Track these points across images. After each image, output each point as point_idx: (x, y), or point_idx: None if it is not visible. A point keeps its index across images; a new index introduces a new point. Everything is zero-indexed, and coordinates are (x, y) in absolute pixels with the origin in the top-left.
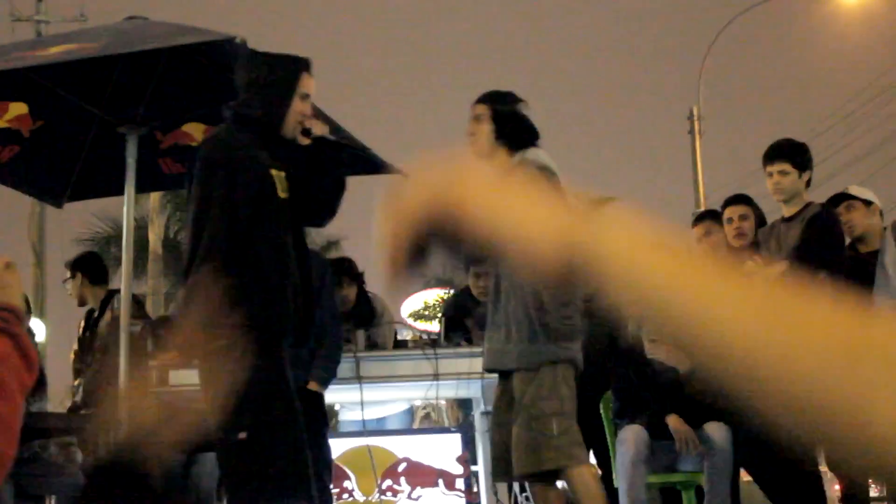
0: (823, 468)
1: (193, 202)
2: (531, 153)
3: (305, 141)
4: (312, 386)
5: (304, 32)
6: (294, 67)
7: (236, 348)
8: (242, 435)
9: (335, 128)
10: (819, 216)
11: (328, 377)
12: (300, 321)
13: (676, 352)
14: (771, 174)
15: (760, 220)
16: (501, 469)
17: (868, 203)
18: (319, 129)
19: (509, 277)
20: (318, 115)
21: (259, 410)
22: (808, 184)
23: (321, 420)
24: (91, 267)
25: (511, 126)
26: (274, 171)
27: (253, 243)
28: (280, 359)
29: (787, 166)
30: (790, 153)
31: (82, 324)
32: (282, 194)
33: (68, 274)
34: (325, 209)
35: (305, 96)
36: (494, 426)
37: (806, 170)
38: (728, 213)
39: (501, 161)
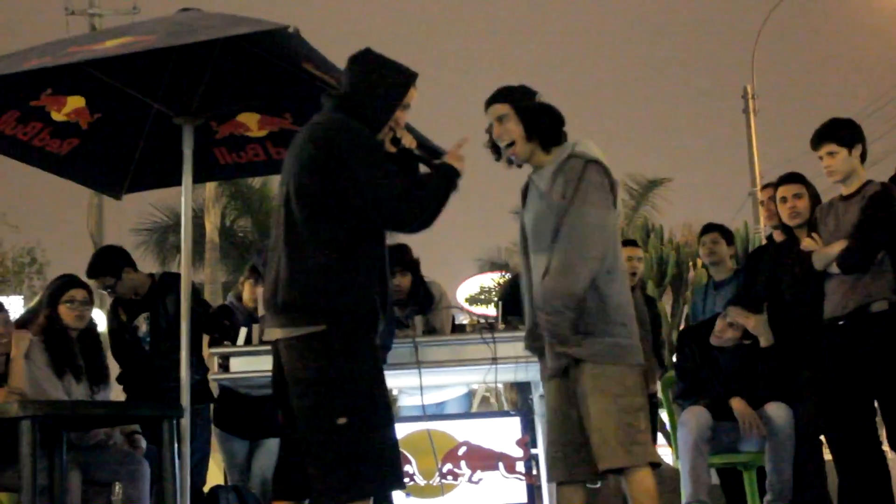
0: (885, 447)
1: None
2: (580, 146)
3: (392, 149)
4: None
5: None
6: (405, 80)
7: (336, 334)
8: (342, 420)
9: (422, 142)
10: (878, 195)
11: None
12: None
13: (765, 329)
14: (821, 158)
15: (815, 199)
16: (563, 472)
17: None
18: (408, 140)
19: None
20: (409, 129)
21: (358, 395)
22: (862, 158)
23: None
24: (127, 257)
25: (542, 120)
26: None
27: (359, 234)
28: (374, 345)
29: (833, 146)
30: (834, 133)
31: (122, 314)
32: None
33: (110, 279)
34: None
35: (406, 107)
36: (554, 429)
37: (855, 145)
38: (782, 192)
39: (541, 159)
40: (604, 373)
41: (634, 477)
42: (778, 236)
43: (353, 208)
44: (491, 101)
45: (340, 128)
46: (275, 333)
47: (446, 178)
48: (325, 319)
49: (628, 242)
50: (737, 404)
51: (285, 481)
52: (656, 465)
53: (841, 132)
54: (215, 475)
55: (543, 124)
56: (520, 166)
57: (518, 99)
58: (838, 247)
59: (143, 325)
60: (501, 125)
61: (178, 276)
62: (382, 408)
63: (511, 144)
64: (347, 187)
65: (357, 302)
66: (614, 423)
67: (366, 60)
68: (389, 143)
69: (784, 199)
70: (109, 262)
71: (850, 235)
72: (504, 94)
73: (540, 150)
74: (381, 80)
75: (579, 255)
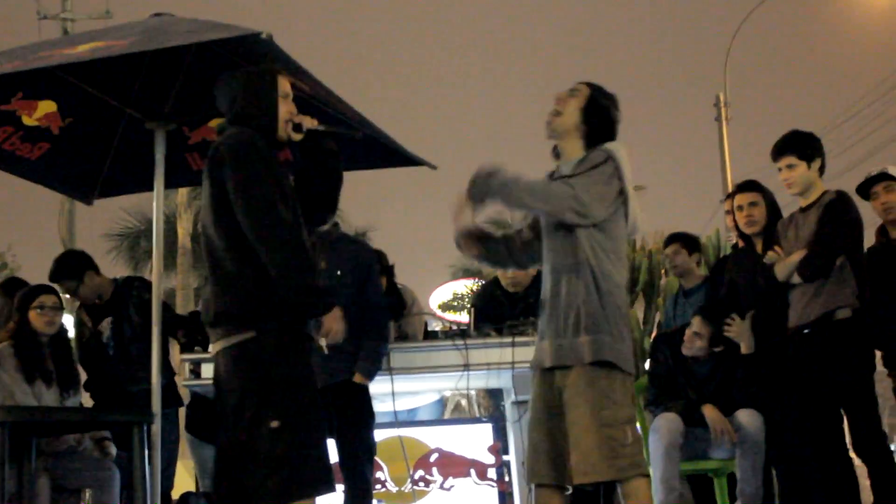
0: (852, 454)
1: (239, 196)
2: (611, 144)
3: (298, 137)
4: (357, 378)
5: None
6: (268, 73)
7: (266, 339)
8: (275, 423)
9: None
10: (834, 203)
11: (373, 369)
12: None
13: (747, 332)
14: (780, 170)
15: (772, 207)
16: (544, 474)
17: None
18: (308, 122)
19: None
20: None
21: (290, 398)
22: (821, 171)
23: (367, 412)
24: (88, 258)
25: (599, 120)
26: None
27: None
28: (306, 349)
29: (793, 159)
30: (794, 146)
31: (86, 319)
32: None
33: (73, 283)
34: (326, 205)
35: (286, 96)
36: (539, 429)
37: (814, 159)
38: (738, 200)
39: (573, 146)
40: (591, 381)
41: (628, 487)
42: (742, 244)
43: None
44: (580, 82)
45: (230, 138)
46: (214, 347)
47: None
48: (254, 326)
49: (742, 188)
50: (709, 411)
51: (225, 489)
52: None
53: (801, 145)
54: (186, 481)
55: (597, 122)
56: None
57: (600, 93)
58: (797, 256)
59: (106, 329)
60: (569, 97)
61: (139, 279)
62: (315, 413)
63: (559, 114)
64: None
65: (281, 307)
66: (596, 439)
67: (226, 83)
68: (294, 133)
69: (740, 208)
70: (71, 265)
71: (808, 244)
72: (592, 83)
73: (581, 143)
74: (245, 89)
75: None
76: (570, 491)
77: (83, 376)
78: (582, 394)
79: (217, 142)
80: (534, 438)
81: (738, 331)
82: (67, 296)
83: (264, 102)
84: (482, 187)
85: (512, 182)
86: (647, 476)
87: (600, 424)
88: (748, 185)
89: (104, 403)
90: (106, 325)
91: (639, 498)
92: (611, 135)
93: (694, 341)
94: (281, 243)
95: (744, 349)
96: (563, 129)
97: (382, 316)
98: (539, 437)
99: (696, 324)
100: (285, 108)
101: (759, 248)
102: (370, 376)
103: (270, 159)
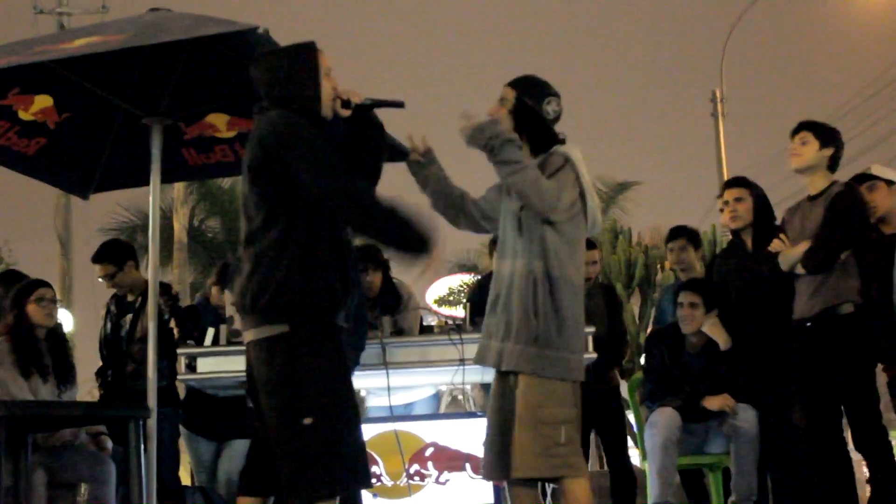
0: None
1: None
2: (564, 147)
3: (346, 113)
4: None
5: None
6: (309, 51)
7: (300, 334)
8: (308, 420)
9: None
10: (841, 195)
11: (353, 365)
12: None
13: (720, 329)
14: (793, 143)
15: (760, 201)
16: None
17: (890, 183)
18: (356, 97)
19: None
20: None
21: (323, 395)
22: (831, 161)
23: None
24: (134, 252)
25: (531, 124)
26: None
27: (313, 232)
28: (340, 344)
29: (809, 136)
30: (815, 126)
31: (114, 309)
32: None
33: (112, 267)
34: (372, 180)
35: (328, 72)
36: (491, 426)
37: (829, 146)
38: (725, 196)
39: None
40: (534, 384)
41: (565, 486)
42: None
43: (303, 206)
44: (507, 83)
45: (275, 124)
46: (245, 335)
47: (415, 221)
48: (288, 320)
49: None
50: (709, 401)
51: (252, 478)
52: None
53: (821, 129)
54: (181, 476)
55: (529, 129)
56: None
57: (526, 92)
58: (802, 247)
59: (126, 325)
60: (498, 107)
61: (166, 285)
62: (348, 407)
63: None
64: (290, 185)
65: (318, 300)
66: (531, 434)
67: (266, 60)
68: (342, 109)
69: (726, 203)
70: (115, 250)
71: (813, 235)
72: (518, 82)
73: (526, 150)
74: (290, 66)
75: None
76: (552, 486)
77: (83, 371)
78: (522, 394)
79: (261, 128)
80: (487, 436)
81: (709, 327)
82: (102, 279)
83: (308, 81)
84: (479, 139)
85: (520, 166)
86: (584, 478)
87: (538, 421)
88: (734, 182)
89: (110, 396)
90: (127, 321)
91: (576, 496)
92: (550, 133)
93: (693, 313)
94: (359, 195)
95: (721, 346)
96: None
97: (363, 311)
98: (490, 434)
99: (687, 296)
100: (329, 85)
101: (748, 244)
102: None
103: (316, 140)
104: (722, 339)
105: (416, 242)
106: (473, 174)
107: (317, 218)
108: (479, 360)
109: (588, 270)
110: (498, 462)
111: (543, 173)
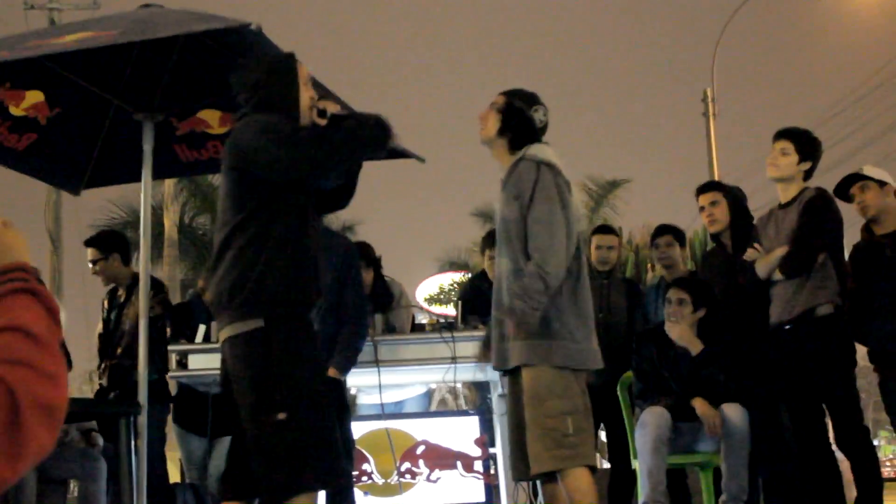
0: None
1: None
2: (533, 149)
3: (322, 122)
4: (331, 373)
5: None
6: (288, 61)
7: (275, 329)
8: (282, 415)
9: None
10: (814, 199)
11: (348, 364)
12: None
13: (689, 334)
14: (773, 150)
15: (735, 202)
16: (521, 469)
17: (882, 184)
18: (332, 107)
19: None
20: (329, 95)
21: (298, 390)
22: (806, 174)
23: (342, 407)
24: (125, 246)
25: (515, 123)
26: None
27: (288, 226)
28: (314, 340)
29: (790, 147)
30: (798, 137)
31: (106, 304)
32: None
33: (97, 254)
34: (346, 189)
35: (307, 82)
36: (511, 427)
37: (807, 159)
38: (701, 201)
39: (501, 152)
40: (537, 376)
41: (566, 477)
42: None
43: (280, 205)
44: (501, 92)
45: (247, 125)
46: (221, 333)
47: (358, 120)
48: (263, 315)
49: (600, 229)
50: (699, 405)
51: (233, 480)
52: (591, 468)
53: (803, 140)
54: (172, 473)
55: (514, 126)
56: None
57: (515, 98)
58: (779, 252)
59: (113, 320)
60: (488, 110)
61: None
62: (322, 403)
63: (483, 127)
64: (266, 184)
65: (294, 296)
66: (539, 429)
67: (246, 66)
68: (318, 119)
69: (703, 209)
70: (106, 239)
71: (789, 241)
72: (510, 90)
73: (506, 148)
74: (268, 73)
75: (547, 251)
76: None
77: (77, 368)
78: (527, 389)
79: (239, 129)
80: (509, 437)
81: (678, 332)
82: (89, 264)
83: (287, 89)
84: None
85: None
86: (591, 468)
87: (543, 415)
88: (707, 186)
89: (108, 390)
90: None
91: (577, 486)
92: (532, 132)
93: (680, 310)
94: (318, 150)
95: (693, 352)
96: (488, 139)
97: (362, 311)
98: (510, 436)
99: (675, 293)
100: (307, 94)
101: (729, 246)
102: (344, 371)
103: (283, 122)
104: (692, 346)
105: (378, 131)
106: (474, 174)
107: (293, 217)
108: (498, 365)
109: (604, 255)
110: (521, 462)
111: (513, 186)
